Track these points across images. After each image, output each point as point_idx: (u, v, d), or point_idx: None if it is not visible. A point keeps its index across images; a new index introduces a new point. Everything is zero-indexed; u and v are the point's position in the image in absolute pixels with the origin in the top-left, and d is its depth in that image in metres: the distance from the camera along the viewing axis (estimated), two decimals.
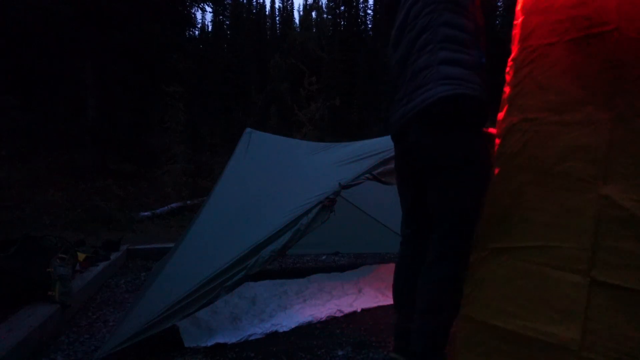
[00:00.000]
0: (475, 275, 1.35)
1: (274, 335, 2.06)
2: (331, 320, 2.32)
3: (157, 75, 8.90)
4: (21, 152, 6.98)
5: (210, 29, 32.00)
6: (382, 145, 2.64)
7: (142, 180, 7.84)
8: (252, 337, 2.01)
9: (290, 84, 20.91)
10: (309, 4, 38.41)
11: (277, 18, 40.67)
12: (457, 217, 1.38)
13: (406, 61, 1.39)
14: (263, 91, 21.99)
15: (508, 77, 1.36)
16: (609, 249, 1.11)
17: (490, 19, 32.12)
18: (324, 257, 4.03)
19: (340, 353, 1.87)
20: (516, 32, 1.36)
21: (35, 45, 6.87)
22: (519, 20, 1.36)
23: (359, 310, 2.47)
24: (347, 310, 2.46)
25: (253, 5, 35.74)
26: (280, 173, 2.72)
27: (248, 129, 3.14)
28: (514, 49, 1.36)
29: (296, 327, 2.16)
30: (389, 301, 2.03)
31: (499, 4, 32.81)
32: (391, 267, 2.15)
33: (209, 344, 1.90)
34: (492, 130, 1.43)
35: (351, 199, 3.38)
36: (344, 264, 3.74)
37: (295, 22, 39.32)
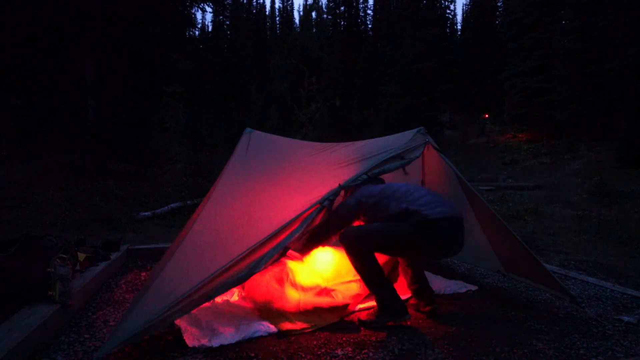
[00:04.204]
0: None
1: (274, 335, 2.06)
2: None
3: (157, 75, 8.87)
4: (21, 152, 6.97)
5: (210, 29, 32.02)
6: (382, 146, 2.64)
7: (142, 180, 7.82)
8: (252, 337, 2.01)
9: (290, 84, 20.90)
10: (309, 4, 38.41)
11: (277, 18, 40.73)
12: None
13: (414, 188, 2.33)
14: (263, 91, 21.98)
15: None
16: None
17: (490, 21, 32.09)
18: None
19: (340, 353, 1.87)
20: None
21: (35, 45, 6.87)
22: None
23: (358, 310, 2.47)
24: None
25: (253, 5, 35.77)
26: (280, 173, 2.72)
27: (248, 129, 3.13)
28: None
29: None
30: None
31: (499, 4, 32.79)
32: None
33: (210, 344, 1.90)
34: None
35: None
36: None
37: (295, 22, 39.35)
